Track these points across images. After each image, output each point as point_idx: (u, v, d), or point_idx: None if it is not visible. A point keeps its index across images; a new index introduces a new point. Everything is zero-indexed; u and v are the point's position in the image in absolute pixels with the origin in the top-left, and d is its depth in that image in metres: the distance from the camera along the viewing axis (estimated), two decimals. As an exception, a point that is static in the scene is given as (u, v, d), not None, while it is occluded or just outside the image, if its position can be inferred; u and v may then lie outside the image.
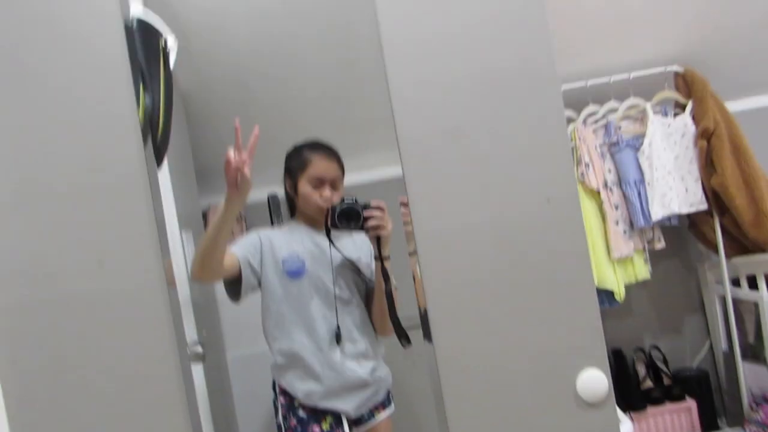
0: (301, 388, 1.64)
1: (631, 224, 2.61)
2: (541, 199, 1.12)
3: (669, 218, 2.62)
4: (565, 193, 1.12)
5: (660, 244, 2.66)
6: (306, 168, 1.69)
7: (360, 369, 1.66)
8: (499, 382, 1.15)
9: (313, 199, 1.67)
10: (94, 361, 1.11)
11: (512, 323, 1.14)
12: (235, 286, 1.64)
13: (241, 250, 1.62)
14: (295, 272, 1.64)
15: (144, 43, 1.35)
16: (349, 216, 1.59)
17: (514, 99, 1.14)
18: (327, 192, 1.67)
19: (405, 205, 1.18)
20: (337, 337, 1.63)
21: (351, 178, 1.86)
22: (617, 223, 2.59)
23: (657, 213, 2.53)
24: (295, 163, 1.72)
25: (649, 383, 2.78)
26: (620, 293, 2.57)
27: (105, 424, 1.11)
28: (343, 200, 1.60)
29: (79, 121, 1.12)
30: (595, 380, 1.13)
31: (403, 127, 1.14)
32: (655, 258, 2.72)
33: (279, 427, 1.68)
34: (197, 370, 1.94)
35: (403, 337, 1.66)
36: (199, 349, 1.81)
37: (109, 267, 1.09)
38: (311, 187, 1.68)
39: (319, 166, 1.69)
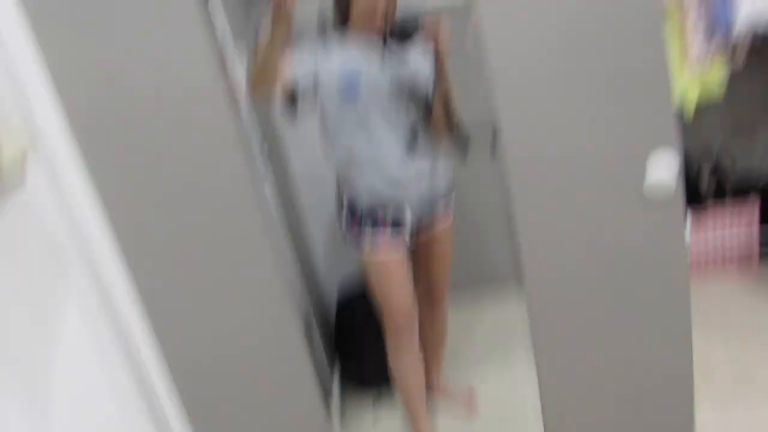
0: (362, 183, 1.74)
1: (712, 30, 2.30)
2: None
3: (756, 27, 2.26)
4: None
5: (741, 56, 2.33)
6: None
7: (421, 167, 1.75)
8: (570, 174, 1.19)
9: (366, 7, 1.63)
10: (167, 155, 1.20)
11: (582, 110, 1.15)
12: (291, 106, 1.68)
13: (294, 69, 1.62)
14: (350, 86, 1.65)
15: None
16: (407, 29, 1.62)
17: None
18: (383, 2, 1.62)
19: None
20: (411, 141, 1.70)
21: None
22: (695, 24, 2.32)
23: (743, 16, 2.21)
24: None
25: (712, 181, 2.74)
26: (690, 108, 2.37)
27: (177, 204, 1.22)
28: (399, 19, 1.62)
29: None
30: (666, 159, 1.14)
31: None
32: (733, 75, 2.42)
33: (341, 221, 1.82)
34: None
35: (462, 147, 1.70)
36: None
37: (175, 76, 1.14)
38: None
39: None
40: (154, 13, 1.10)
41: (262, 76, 1.54)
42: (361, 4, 1.64)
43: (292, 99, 1.65)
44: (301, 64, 1.62)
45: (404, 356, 1.90)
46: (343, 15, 1.70)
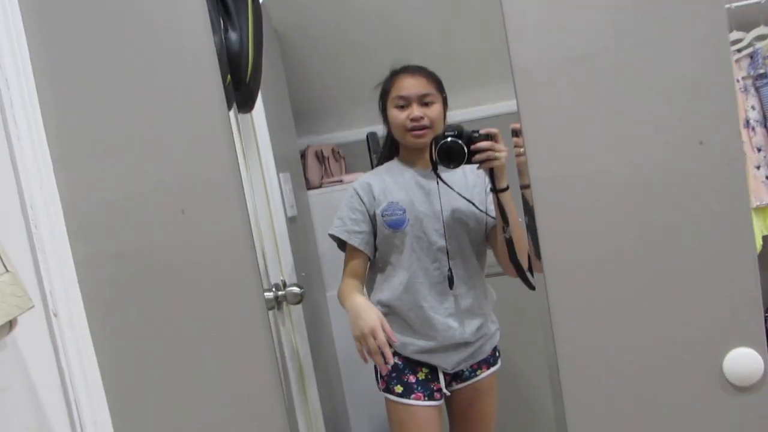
0: (395, 323, 1.53)
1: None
2: (691, 142, 0.93)
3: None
4: (724, 136, 0.93)
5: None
6: (390, 90, 1.54)
7: (462, 328, 1.53)
8: (624, 354, 1.02)
9: (398, 121, 1.51)
10: (181, 307, 1.09)
11: (646, 288, 0.99)
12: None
13: (356, 239, 1.54)
14: (395, 223, 1.52)
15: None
16: (450, 153, 1.40)
17: (661, 16, 0.93)
18: (415, 111, 1.49)
19: (517, 134, 1.04)
20: (448, 287, 1.51)
21: (461, 115, 1.72)
22: (758, 167, 2.28)
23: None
24: (381, 90, 1.57)
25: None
26: (757, 245, 2.28)
27: (187, 368, 1.11)
28: (443, 134, 1.41)
29: (157, 66, 1.06)
30: (748, 360, 0.96)
31: (519, 53, 0.98)
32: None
33: (375, 371, 1.62)
34: (296, 310, 1.93)
35: (529, 279, 1.50)
36: (297, 290, 1.78)
37: (191, 215, 1.03)
38: (396, 108, 1.52)
39: (401, 83, 1.52)
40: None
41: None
42: (394, 129, 1.54)
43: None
44: (356, 229, 1.56)
45: None
46: (391, 145, 1.62)
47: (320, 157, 2.31)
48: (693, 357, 1.00)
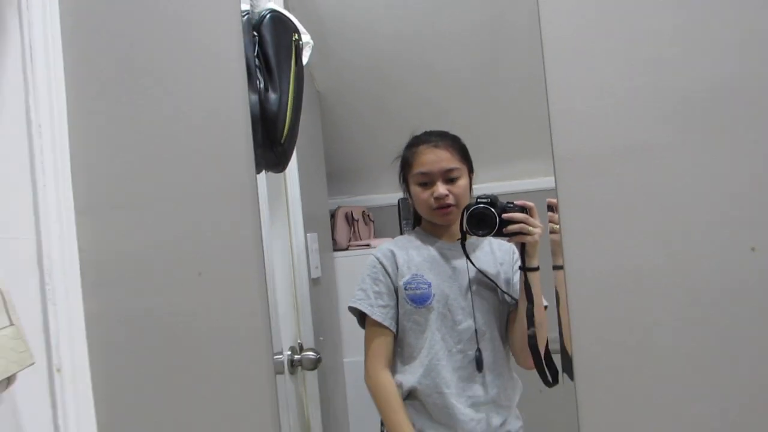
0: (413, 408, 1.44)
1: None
2: (743, 247, 0.86)
3: None
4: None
5: None
6: (411, 164, 1.46)
7: (486, 421, 1.41)
8: None
9: (422, 200, 1.44)
10: (188, 371, 1.05)
11: (688, 397, 0.91)
12: None
13: (380, 313, 1.45)
14: (419, 298, 1.43)
15: (275, 37, 1.27)
16: (481, 220, 1.33)
17: (721, 114, 0.90)
18: (439, 189, 1.42)
19: (554, 209, 1.00)
20: (472, 372, 1.40)
21: (493, 188, 1.67)
22: None
23: None
24: (402, 160, 1.51)
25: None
26: None
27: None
28: (476, 200, 1.35)
29: (188, 123, 1.06)
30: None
31: (561, 141, 0.94)
32: None
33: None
34: (310, 376, 1.86)
35: (546, 373, 1.39)
36: (313, 355, 1.71)
37: (207, 278, 1.00)
38: (419, 186, 1.45)
39: (423, 158, 1.45)
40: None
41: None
42: (418, 207, 1.48)
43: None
44: (381, 305, 1.46)
45: None
46: (416, 218, 1.56)
47: (350, 219, 2.28)
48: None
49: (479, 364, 1.39)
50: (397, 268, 1.47)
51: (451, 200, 1.42)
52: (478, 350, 1.39)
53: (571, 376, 1.38)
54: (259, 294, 1.01)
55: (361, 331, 1.66)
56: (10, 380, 0.81)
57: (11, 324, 0.80)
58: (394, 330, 1.44)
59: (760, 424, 0.92)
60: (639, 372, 0.95)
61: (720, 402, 0.93)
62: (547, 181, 1.77)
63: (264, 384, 1.04)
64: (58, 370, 0.96)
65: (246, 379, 1.04)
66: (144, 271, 1.03)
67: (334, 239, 2.16)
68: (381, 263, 1.48)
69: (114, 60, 1.06)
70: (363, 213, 2.35)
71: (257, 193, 1.04)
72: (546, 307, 1.44)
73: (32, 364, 0.82)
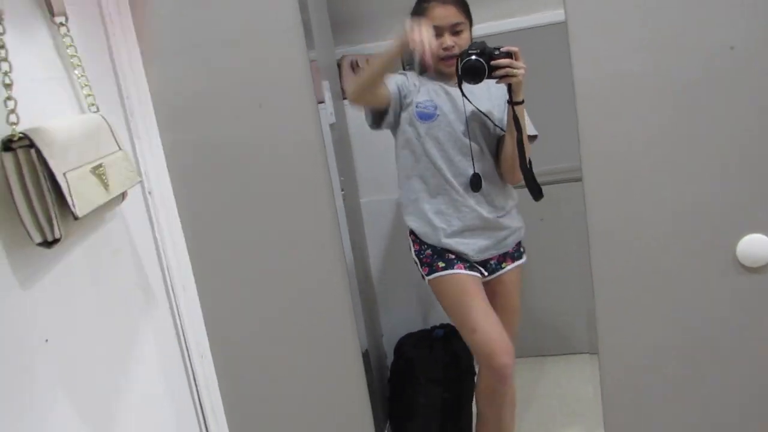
0: (421, 228, 1.72)
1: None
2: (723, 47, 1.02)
3: None
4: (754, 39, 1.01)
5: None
6: (422, 18, 1.61)
7: (484, 212, 1.69)
8: (654, 246, 1.13)
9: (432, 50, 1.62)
10: (253, 189, 1.24)
11: (676, 177, 1.10)
12: (378, 115, 1.70)
13: (393, 84, 1.65)
14: (427, 116, 1.65)
15: None
16: (472, 71, 1.50)
17: None
18: (447, 41, 1.60)
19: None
20: (474, 183, 1.66)
21: (487, 29, 1.80)
22: None
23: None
24: (414, 15, 1.66)
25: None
26: None
27: (261, 239, 1.27)
28: (467, 51, 1.51)
29: None
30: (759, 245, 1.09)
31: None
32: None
33: (415, 263, 1.78)
34: (341, 211, 2.06)
35: (535, 189, 1.65)
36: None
37: (267, 109, 1.17)
38: None
39: (434, 12, 1.60)
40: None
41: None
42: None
43: (382, 109, 1.69)
44: (398, 81, 1.67)
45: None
46: (422, 62, 1.71)
47: (355, 68, 2.38)
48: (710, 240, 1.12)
49: (473, 182, 1.64)
50: (418, 89, 1.67)
51: (456, 51, 1.58)
52: (474, 166, 1.63)
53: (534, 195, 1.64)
54: (312, 117, 1.20)
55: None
56: (123, 195, 1.01)
57: (120, 149, 0.98)
58: (389, 99, 1.63)
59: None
60: (637, 162, 1.12)
61: (700, 181, 1.10)
62: (532, 19, 1.91)
63: (323, 197, 1.25)
64: (150, 193, 1.17)
65: (306, 193, 1.24)
66: (209, 106, 1.19)
67: (342, 88, 2.27)
68: (408, 78, 1.69)
69: None
70: (367, 60, 2.44)
71: (303, 34, 1.19)
72: (536, 136, 1.67)
73: (140, 180, 1.02)
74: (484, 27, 1.88)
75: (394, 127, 1.71)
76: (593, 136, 1.12)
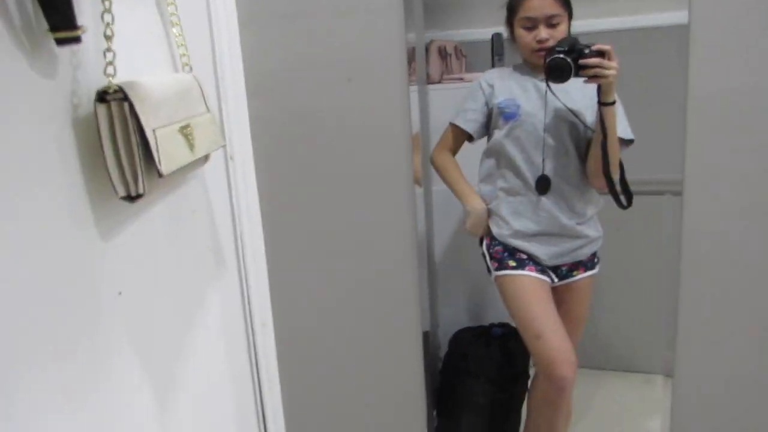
0: (496, 226, 1.69)
1: None
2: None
3: None
4: None
5: None
6: (518, 9, 1.58)
7: (563, 217, 1.63)
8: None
9: (524, 42, 1.58)
10: (337, 164, 1.24)
11: None
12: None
13: (471, 125, 1.68)
14: (508, 115, 1.61)
15: None
16: (557, 70, 1.44)
17: None
18: (542, 33, 1.54)
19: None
20: (541, 186, 1.60)
21: (585, 27, 1.73)
22: None
23: None
24: (509, 5, 1.62)
25: None
26: None
27: (335, 210, 1.27)
28: (555, 48, 1.45)
29: None
30: None
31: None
32: None
33: (483, 256, 1.75)
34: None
35: (621, 197, 1.57)
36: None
37: (356, 83, 1.15)
38: (523, 29, 1.57)
39: (528, 4, 1.55)
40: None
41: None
42: (520, 47, 1.62)
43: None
44: (474, 116, 1.69)
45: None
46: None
47: (443, 53, 2.34)
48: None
49: (541, 183, 1.60)
50: (494, 92, 1.65)
51: (550, 44, 1.53)
52: (543, 167, 1.59)
53: (619, 204, 1.56)
54: (402, 97, 1.17)
55: None
56: (207, 158, 1.01)
57: (208, 111, 0.98)
58: (469, 131, 1.68)
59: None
60: (746, 185, 1.05)
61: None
62: (632, 21, 1.81)
63: (402, 185, 1.23)
64: (231, 158, 1.17)
65: (387, 168, 1.23)
66: (300, 77, 1.18)
67: (427, 72, 2.24)
68: (482, 87, 1.67)
69: None
70: (456, 48, 2.40)
71: (404, 15, 1.16)
72: (632, 141, 1.58)
73: (224, 145, 1.02)
74: (589, 23, 1.80)
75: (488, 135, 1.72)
76: (702, 151, 1.04)
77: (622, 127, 1.57)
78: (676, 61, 1.10)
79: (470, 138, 1.70)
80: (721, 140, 1.04)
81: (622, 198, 1.58)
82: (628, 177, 1.60)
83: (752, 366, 1.12)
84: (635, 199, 1.60)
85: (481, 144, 1.75)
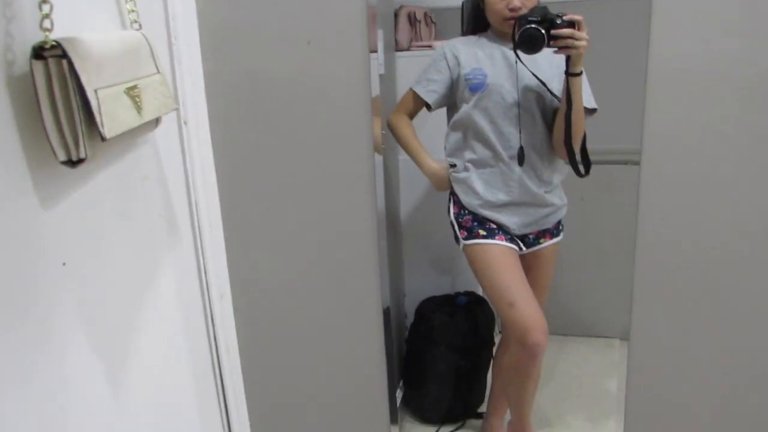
0: (465, 196, 1.67)
1: None
2: None
3: None
4: None
5: None
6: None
7: (532, 186, 1.62)
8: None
9: (497, 9, 1.53)
10: (294, 128, 1.21)
11: (744, 175, 1.04)
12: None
13: (432, 96, 1.66)
14: (475, 86, 1.58)
15: None
16: (529, 41, 1.41)
17: None
18: (514, 1, 1.50)
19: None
20: (519, 158, 1.59)
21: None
22: None
23: None
24: None
25: None
26: None
27: (294, 178, 1.24)
28: (527, 18, 1.41)
29: None
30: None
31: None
32: None
33: (452, 224, 1.74)
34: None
35: (579, 165, 1.57)
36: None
37: (316, 46, 1.10)
38: None
39: None
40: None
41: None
42: (490, 14, 1.58)
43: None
44: (436, 86, 1.66)
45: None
46: (476, 21, 1.65)
47: (412, 20, 2.29)
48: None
49: (519, 154, 1.58)
50: (459, 63, 1.61)
51: (523, 12, 1.49)
52: (521, 137, 1.57)
53: (577, 172, 1.56)
54: (362, 62, 1.13)
55: (417, 133, 1.87)
56: (157, 122, 0.96)
57: (158, 72, 0.93)
58: (429, 101, 1.66)
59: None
60: (704, 154, 1.05)
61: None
62: None
63: (363, 134, 1.21)
64: (185, 123, 1.13)
65: (347, 131, 1.20)
66: (257, 38, 1.14)
67: (396, 39, 2.19)
68: (446, 57, 1.64)
69: None
70: (425, 14, 2.35)
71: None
72: (595, 110, 1.58)
73: (176, 108, 0.98)
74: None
75: (450, 105, 1.69)
76: (660, 121, 1.03)
77: (586, 95, 1.55)
78: (640, 30, 1.08)
79: (428, 107, 1.68)
80: (679, 110, 1.03)
81: (581, 167, 1.58)
82: (591, 146, 1.59)
83: (703, 330, 1.14)
84: (599, 168, 1.59)
85: (441, 114, 1.73)
